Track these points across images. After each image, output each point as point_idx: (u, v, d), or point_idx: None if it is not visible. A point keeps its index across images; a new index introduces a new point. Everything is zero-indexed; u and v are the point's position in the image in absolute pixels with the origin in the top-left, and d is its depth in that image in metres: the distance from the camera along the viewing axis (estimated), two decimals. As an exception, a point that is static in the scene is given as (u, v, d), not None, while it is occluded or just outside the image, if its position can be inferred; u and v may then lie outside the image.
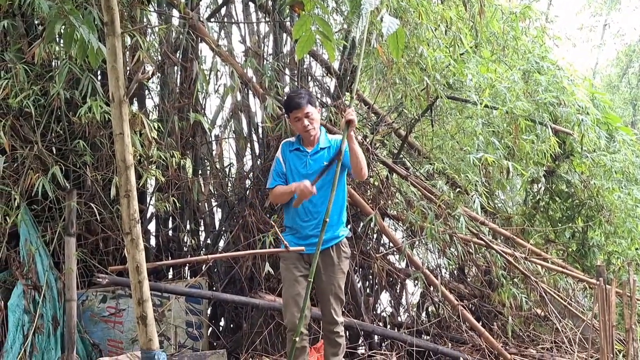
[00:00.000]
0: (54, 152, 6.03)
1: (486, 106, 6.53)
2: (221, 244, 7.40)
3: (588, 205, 7.70)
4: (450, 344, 6.83)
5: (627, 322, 4.68)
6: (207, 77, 6.88)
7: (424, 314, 7.84)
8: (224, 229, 7.41)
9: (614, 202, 7.54)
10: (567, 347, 6.54)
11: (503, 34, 7.19)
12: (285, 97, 5.26)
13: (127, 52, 6.07)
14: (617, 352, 5.41)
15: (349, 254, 4.94)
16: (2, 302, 5.84)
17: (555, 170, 7.80)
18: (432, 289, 6.93)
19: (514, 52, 7.36)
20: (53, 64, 6.22)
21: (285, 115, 5.23)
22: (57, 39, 5.77)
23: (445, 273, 7.91)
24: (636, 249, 7.75)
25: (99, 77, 6.28)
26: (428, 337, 7.05)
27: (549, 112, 6.83)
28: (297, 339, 4.36)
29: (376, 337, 7.02)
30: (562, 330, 6.68)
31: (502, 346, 6.45)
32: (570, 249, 7.97)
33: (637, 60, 20.22)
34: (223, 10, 7.62)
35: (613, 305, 4.65)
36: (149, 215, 7.23)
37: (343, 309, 4.95)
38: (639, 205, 7.58)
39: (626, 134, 7.75)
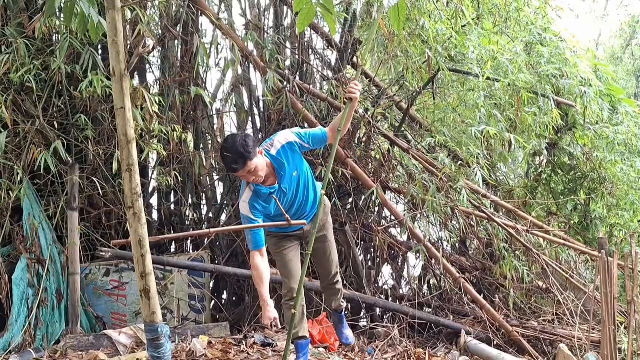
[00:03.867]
0: (56, 126, 6.02)
1: (488, 78, 6.50)
2: (223, 217, 7.42)
3: (590, 177, 7.70)
4: (451, 317, 6.87)
5: (628, 295, 4.69)
6: (208, 51, 6.84)
7: (425, 287, 7.87)
8: (225, 202, 7.42)
9: (616, 175, 7.53)
10: (568, 319, 6.57)
11: (505, 5, 7.12)
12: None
13: (128, 26, 6.04)
14: (619, 324, 5.43)
15: (329, 206, 4.80)
16: (7, 275, 5.89)
17: (557, 142, 7.78)
18: (433, 261, 6.95)
19: (516, 23, 7.30)
20: (54, 38, 6.21)
21: None
22: (58, 13, 5.73)
23: (447, 246, 7.94)
24: (638, 221, 7.76)
25: (100, 52, 6.25)
26: (430, 310, 7.10)
27: (551, 84, 6.80)
28: (296, 307, 4.29)
29: (378, 309, 7.06)
30: (563, 303, 6.71)
31: (503, 318, 6.48)
32: (572, 222, 7.98)
33: (641, 31, 20.07)
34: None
35: (615, 278, 4.66)
36: (151, 189, 7.25)
37: (345, 282, 4.95)
38: (641, 177, 7.59)
39: (629, 105, 7.73)
